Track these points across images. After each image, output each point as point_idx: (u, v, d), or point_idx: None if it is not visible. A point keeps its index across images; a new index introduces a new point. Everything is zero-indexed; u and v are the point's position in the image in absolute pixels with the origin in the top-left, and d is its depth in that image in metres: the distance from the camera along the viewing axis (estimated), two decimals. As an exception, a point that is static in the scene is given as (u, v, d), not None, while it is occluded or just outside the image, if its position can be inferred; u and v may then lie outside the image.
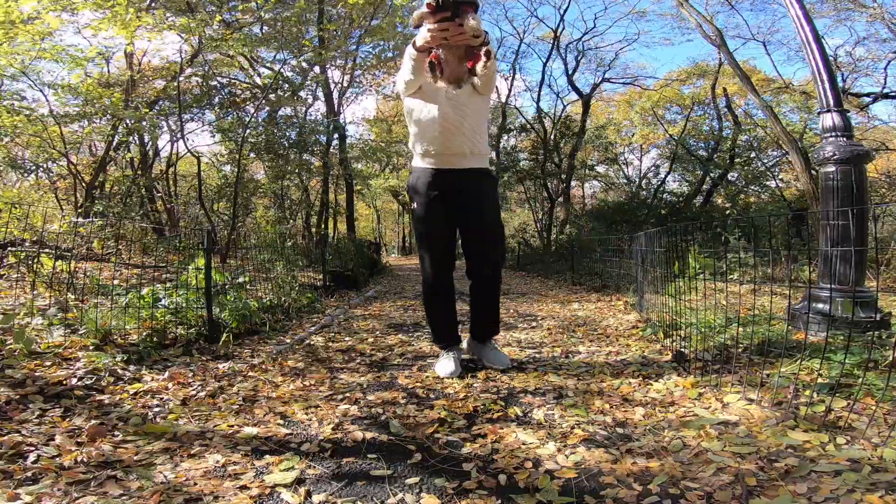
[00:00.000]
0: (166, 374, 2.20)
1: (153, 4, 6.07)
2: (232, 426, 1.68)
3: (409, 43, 2.09)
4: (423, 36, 1.99)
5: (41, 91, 7.12)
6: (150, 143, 10.44)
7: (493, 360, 2.39)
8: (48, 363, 2.07)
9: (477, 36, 1.94)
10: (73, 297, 3.08)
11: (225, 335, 2.88)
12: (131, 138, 9.25)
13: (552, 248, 14.75)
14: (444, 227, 2.32)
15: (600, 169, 19.34)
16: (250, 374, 2.32)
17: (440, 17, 1.92)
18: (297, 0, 7.20)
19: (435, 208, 2.27)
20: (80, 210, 6.99)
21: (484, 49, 2.02)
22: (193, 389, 2.04)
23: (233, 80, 11.65)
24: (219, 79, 10.70)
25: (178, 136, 9.91)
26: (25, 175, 9.15)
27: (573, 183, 18.63)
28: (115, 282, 3.54)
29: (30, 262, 3.46)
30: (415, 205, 2.34)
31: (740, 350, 2.35)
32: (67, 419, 1.63)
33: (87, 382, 1.95)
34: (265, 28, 8.67)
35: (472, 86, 2.19)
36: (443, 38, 1.98)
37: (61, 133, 7.26)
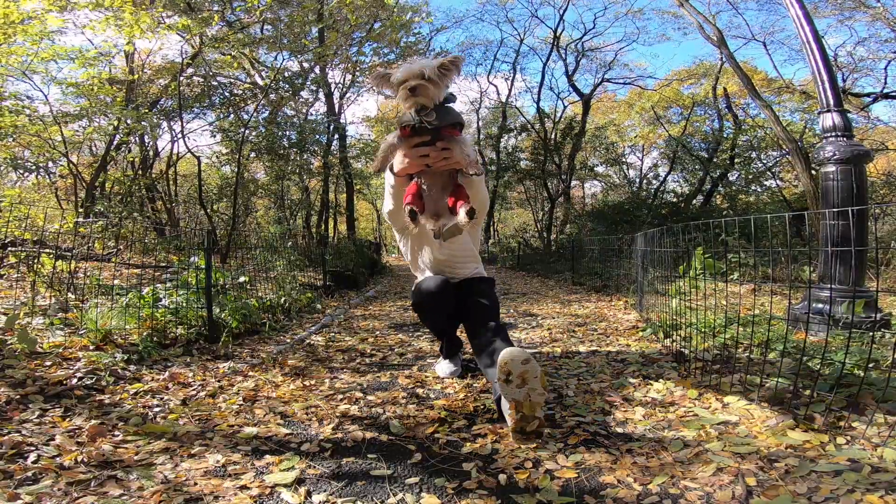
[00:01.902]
0: (166, 373, 2.20)
1: (155, 4, 6.07)
2: (232, 426, 1.68)
3: (388, 167, 1.85)
4: (399, 161, 1.77)
5: (42, 91, 7.14)
6: (151, 143, 10.45)
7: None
8: (48, 363, 2.07)
9: (473, 170, 1.73)
10: (73, 297, 3.09)
11: (225, 335, 2.89)
12: (132, 138, 9.26)
13: (552, 248, 14.75)
14: (447, 295, 2.12)
15: (601, 169, 19.35)
16: (250, 373, 2.32)
17: (417, 141, 1.71)
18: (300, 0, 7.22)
19: (434, 281, 2.16)
20: (80, 210, 7.00)
21: (468, 208, 1.73)
22: (193, 389, 2.05)
23: (233, 81, 11.67)
24: (219, 79, 10.72)
25: (179, 135, 9.94)
26: (26, 175, 9.16)
27: (573, 183, 18.64)
28: (116, 282, 3.54)
29: (30, 262, 3.46)
30: (413, 301, 2.24)
31: (740, 350, 2.35)
32: (68, 419, 1.63)
33: (88, 382, 1.95)
34: (266, 28, 8.68)
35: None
36: (424, 165, 1.74)
37: (62, 133, 7.27)
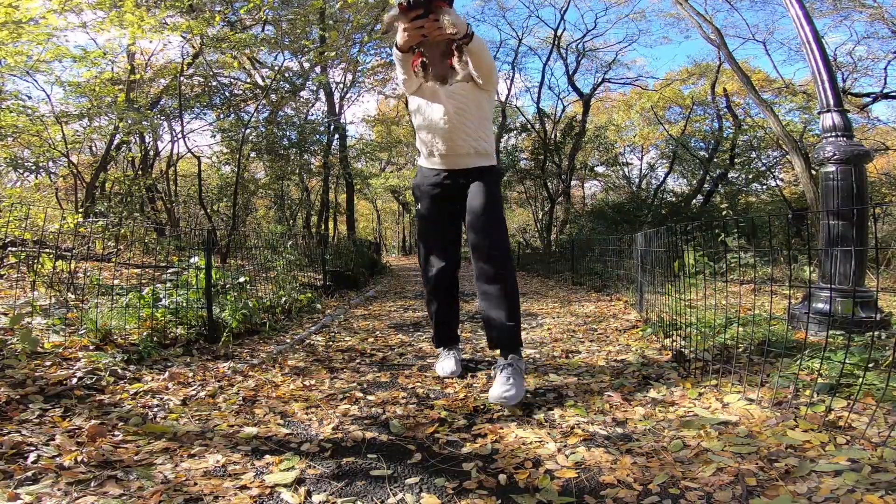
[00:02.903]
0: (166, 373, 2.20)
1: (156, 3, 6.07)
2: (232, 426, 1.68)
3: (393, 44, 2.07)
4: (401, 36, 1.96)
5: (45, 91, 7.14)
6: (151, 143, 10.46)
7: (495, 394, 1.88)
8: (48, 363, 2.07)
9: (455, 31, 1.89)
10: (73, 297, 3.09)
11: (225, 335, 2.89)
12: (132, 138, 9.26)
13: (552, 248, 14.76)
14: (447, 224, 2.28)
15: (600, 170, 19.34)
16: (250, 373, 2.32)
17: (413, 15, 1.88)
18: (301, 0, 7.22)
19: (438, 207, 2.26)
20: (80, 210, 7.00)
21: (455, 44, 1.97)
22: (193, 389, 2.05)
23: (234, 81, 11.66)
24: (220, 79, 10.72)
25: (179, 135, 9.94)
26: (26, 175, 9.15)
27: (573, 182, 18.63)
28: (116, 282, 3.55)
29: (30, 262, 3.46)
30: (418, 204, 2.32)
31: (740, 350, 2.35)
32: (67, 419, 1.63)
33: (88, 382, 1.95)
34: (268, 28, 8.68)
35: (473, 82, 2.13)
36: (421, 36, 1.94)
37: (63, 133, 7.27)
